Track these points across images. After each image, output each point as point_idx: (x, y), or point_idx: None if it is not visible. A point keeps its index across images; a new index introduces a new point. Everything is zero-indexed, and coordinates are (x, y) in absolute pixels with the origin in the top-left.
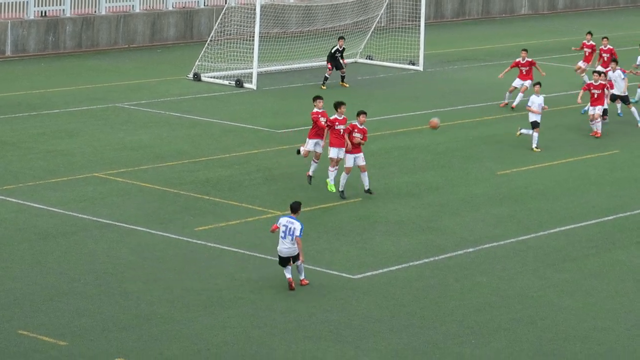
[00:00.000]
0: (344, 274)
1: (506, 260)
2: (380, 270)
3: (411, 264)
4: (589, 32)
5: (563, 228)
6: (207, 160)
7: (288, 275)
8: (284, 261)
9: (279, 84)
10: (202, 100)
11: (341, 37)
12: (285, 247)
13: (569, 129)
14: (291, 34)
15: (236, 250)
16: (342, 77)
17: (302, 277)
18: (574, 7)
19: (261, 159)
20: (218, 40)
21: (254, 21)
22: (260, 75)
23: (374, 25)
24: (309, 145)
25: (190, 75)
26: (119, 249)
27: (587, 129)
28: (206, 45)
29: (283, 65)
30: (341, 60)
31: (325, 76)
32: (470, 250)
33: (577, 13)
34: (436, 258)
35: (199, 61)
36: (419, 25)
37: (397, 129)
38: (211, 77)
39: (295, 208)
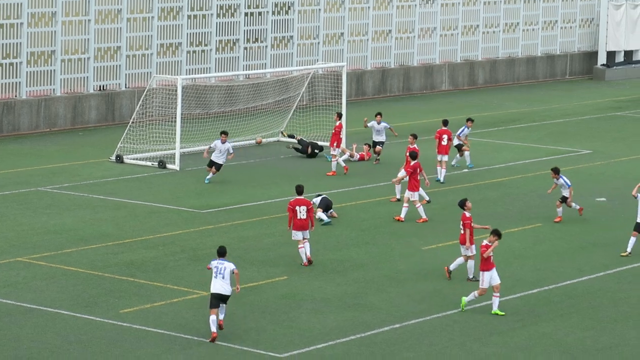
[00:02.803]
0: (270, 353)
1: (433, 335)
2: (307, 349)
3: (338, 341)
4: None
5: (488, 302)
6: (132, 242)
7: (213, 329)
8: (216, 299)
9: (202, 164)
10: (125, 182)
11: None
12: (217, 285)
13: (494, 203)
14: (213, 114)
15: (162, 331)
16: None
17: (221, 318)
18: (493, 82)
19: (186, 239)
20: (140, 121)
21: (176, 102)
22: (183, 155)
23: (295, 104)
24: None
25: (113, 158)
26: (43, 333)
27: (510, 202)
28: (128, 127)
29: (206, 145)
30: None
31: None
32: (397, 326)
33: (496, 88)
34: (363, 335)
35: (121, 143)
36: (341, 103)
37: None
38: (134, 159)
39: (221, 252)
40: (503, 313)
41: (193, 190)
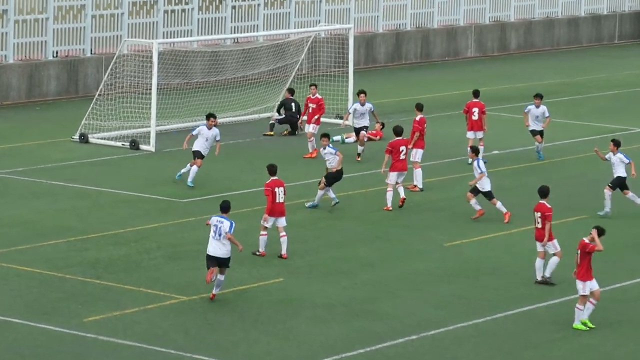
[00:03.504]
0: None
1: (455, 349)
2: None
3: (343, 355)
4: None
5: (523, 309)
6: (98, 237)
7: (215, 291)
8: (212, 261)
9: (182, 144)
10: (90, 165)
11: (290, 89)
12: (213, 246)
13: (532, 190)
14: (196, 85)
15: (134, 344)
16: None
17: (214, 292)
18: (528, 47)
19: (162, 234)
20: (108, 94)
21: (151, 71)
22: (159, 135)
23: (293, 74)
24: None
25: (76, 137)
26: None
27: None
28: (94, 100)
29: (186, 122)
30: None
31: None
32: (413, 337)
33: (532, 54)
34: (372, 348)
35: (86, 119)
36: (347, 73)
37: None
38: (101, 138)
39: (224, 207)
40: (593, 326)
41: (171, 176)
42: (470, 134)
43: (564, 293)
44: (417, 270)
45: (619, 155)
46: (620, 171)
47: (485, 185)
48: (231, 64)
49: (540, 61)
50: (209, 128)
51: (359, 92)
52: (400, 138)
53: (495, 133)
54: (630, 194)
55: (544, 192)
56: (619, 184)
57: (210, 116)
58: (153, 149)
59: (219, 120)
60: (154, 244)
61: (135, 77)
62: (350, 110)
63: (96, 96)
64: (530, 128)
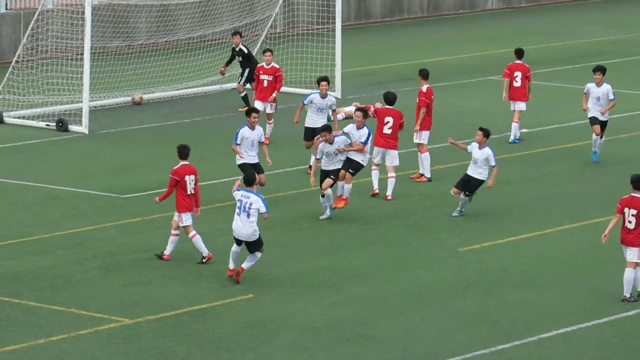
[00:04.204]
0: None
1: None
2: None
3: None
4: None
5: (560, 331)
6: (17, 244)
7: (231, 265)
8: (239, 241)
9: (123, 124)
10: (6, 152)
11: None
12: (239, 225)
13: (566, 180)
14: (140, 48)
15: None
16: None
17: (245, 266)
18: None
19: (99, 239)
20: (28, 60)
21: (82, 31)
22: (94, 112)
23: (264, 32)
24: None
25: None
26: None
27: (591, 178)
28: (10, 68)
29: (129, 95)
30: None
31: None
32: None
33: (569, 5)
34: None
35: (0, 93)
36: (334, 30)
37: (305, 187)
38: (19, 117)
39: (249, 181)
40: None
41: (110, 164)
42: (512, 105)
43: (609, 311)
44: (425, 283)
45: (487, 150)
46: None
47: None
48: (185, 22)
49: (580, 14)
50: (252, 128)
51: (320, 80)
52: (389, 107)
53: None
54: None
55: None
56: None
57: (252, 111)
58: (86, 130)
59: (170, 94)
60: (89, 253)
61: (63, 39)
62: (305, 102)
63: (13, 63)
64: (590, 115)
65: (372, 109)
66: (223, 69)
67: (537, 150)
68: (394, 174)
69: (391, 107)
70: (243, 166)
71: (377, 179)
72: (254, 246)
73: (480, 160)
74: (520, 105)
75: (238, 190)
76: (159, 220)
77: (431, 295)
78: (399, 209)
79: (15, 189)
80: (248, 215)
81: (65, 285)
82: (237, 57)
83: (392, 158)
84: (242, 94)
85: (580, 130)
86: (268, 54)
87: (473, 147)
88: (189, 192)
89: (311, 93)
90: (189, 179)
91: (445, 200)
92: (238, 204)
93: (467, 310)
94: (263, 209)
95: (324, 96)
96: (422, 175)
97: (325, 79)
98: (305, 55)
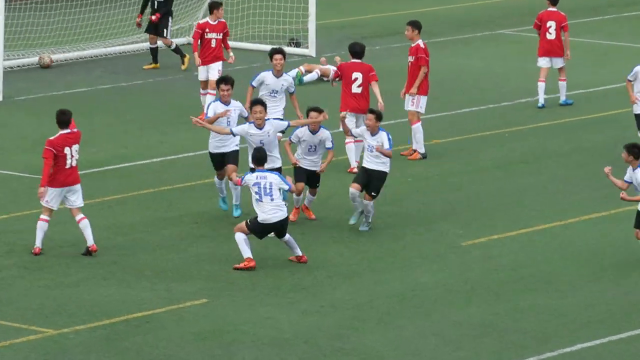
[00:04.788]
0: None
1: None
2: None
3: None
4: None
5: (585, 345)
6: None
7: (247, 254)
8: (266, 229)
9: (45, 88)
10: None
11: None
12: (268, 210)
13: (600, 154)
14: None
15: None
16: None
17: (299, 253)
18: None
19: (15, 231)
20: None
21: None
22: (8, 73)
23: None
24: None
25: None
26: None
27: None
28: None
29: (54, 52)
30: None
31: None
32: None
33: None
34: None
35: None
36: None
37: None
38: None
39: (261, 158)
40: None
41: (29, 138)
42: (543, 61)
43: None
44: (420, 285)
45: (383, 135)
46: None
47: None
48: None
49: None
50: (225, 102)
51: (273, 52)
52: (357, 61)
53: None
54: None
55: None
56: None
57: (222, 81)
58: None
59: (97, 51)
60: (2, 247)
61: None
62: (254, 83)
63: None
64: (636, 111)
65: (331, 71)
66: (139, 19)
67: (557, 121)
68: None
69: (359, 60)
70: (210, 156)
71: (354, 152)
72: (284, 231)
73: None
74: (558, 62)
75: (248, 174)
76: (89, 208)
77: (427, 300)
78: (388, 194)
79: None
80: (272, 198)
81: None
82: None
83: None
84: (172, 47)
85: (611, 97)
86: (221, 9)
87: (363, 133)
88: (67, 166)
89: (261, 72)
90: (70, 151)
91: (444, 182)
92: (256, 189)
93: (471, 319)
94: (286, 186)
95: (278, 74)
96: (415, 151)
97: (279, 51)
98: (272, 3)
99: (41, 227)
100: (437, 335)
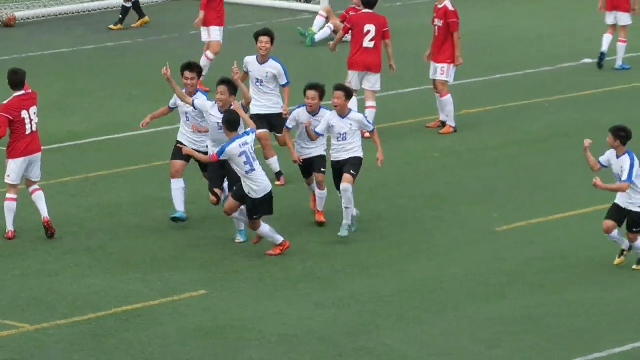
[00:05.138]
0: None
1: None
2: None
3: None
4: None
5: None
6: None
7: (280, 239)
8: (267, 201)
9: (21, 48)
10: None
11: None
12: (261, 176)
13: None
14: None
15: None
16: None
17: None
18: None
19: None
20: None
21: None
22: None
23: None
24: None
25: None
26: None
27: None
28: None
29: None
30: None
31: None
32: None
33: None
34: None
35: None
36: None
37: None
38: None
39: (234, 122)
40: None
41: None
42: (610, 17)
43: None
44: (448, 276)
45: (356, 115)
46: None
47: None
48: None
49: None
50: (189, 93)
51: (258, 34)
52: (369, 12)
53: (588, 26)
54: None
55: None
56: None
57: (187, 68)
58: None
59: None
60: None
61: None
62: (245, 68)
63: None
64: None
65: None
66: None
67: (607, 89)
68: (373, 103)
69: (371, 11)
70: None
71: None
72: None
73: (349, 132)
74: (624, 18)
75: (228, 145)
76: (71, 185)
77: (457, 293)
78: (412, 172)
79: None
80: (257, 162)
81: None
82: None
83: (374, 82)
84: (128, 4)
85: None
86: None
87: (330, 119)
88: (28, 132)
89: (250, 56)
90: (28, 114)
91: (476, 158)
92: (244, 159)
93: (506, 315)
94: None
95: (263, 60)
96: (443, 123)
97: (265, 32)
98: None
99: (9, 207)
100: (468, 332)
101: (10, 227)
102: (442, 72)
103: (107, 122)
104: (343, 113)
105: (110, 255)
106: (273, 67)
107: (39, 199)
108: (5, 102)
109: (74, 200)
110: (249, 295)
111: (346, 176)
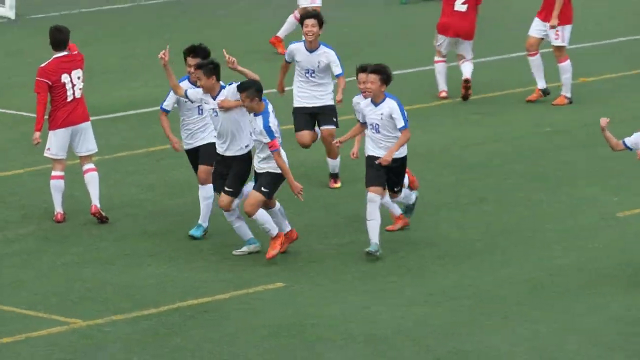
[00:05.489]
0: None
1: None
2: None
3: None
4: None
5: None
6: None
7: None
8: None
9: (70, 4)
10: None
11: None
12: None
13: None
14: None
15: None
16: None
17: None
18: None
19: (33, 189)
20: None
21: None
22: None
23: None
24: None
25: None
26: None
27: None
28: None
29: None
30: None
31: None
32: None
33: None
34: None
35: None
36: None
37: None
38: None
39: (260, 88)
40: None
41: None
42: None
43: None
44: (560, 268)
45: (391, 103)
46: None
47: None
48: None
49: None
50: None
51: (304, 17)
52: None
53: None
54: None
55: None
56: None
57: (190, 52)
58: (11, 14)
59: None
60: (17, 211)
61: None
62: (288, 57)
63: None
64: None
65: None
66: None
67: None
68: (470, 60)
69: None
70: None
71: (444, 77)
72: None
73: (382, 124)
74: None
75: (269, 115)
76: (130, 160)
77: (570, 287)
78: (520, 149)
79: None
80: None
81: None
82: None
83: (467, 48)
84: None
85: None
86: None
87: (361, 104)
88: (69, 99)
89: (294, 43)
90: (70, 79)
91: (593, 133)
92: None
93: (630, 313)
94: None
95: (311, 47)
96: (545, 92)
97: (311, 14)
98: None
99: (55, 186)
100: (584, 332)
101: (58, 209)
102: (556, 36)
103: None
104: (377, 100)
105: (175, 242)
106: (325, 54)
107: (91, 182)
108: (43, 64)
109: (132, 178)
110: (331, 288)
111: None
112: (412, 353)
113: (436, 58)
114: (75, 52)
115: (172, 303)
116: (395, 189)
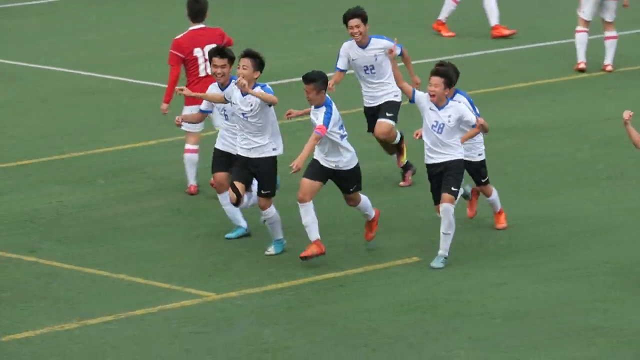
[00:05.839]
0: None
1: None
2: None
3: None
4: None
5: None
6: (17, 169)
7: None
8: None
9: None
10: None
11: None
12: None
13: None
14: None
15: None
16: None
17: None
18: None
19: (160, 162)
20: None
21: None
22: None
23: None
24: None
25: None
26: None
27: None
28: None
29: None
30: None
31: None
32: None
33: None
34: None
35: None
36: None
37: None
38: None
39: (325, 79)
40: None
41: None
42: None
43: None
44: (633, 272)
45: (458, 106)
46: None
47: None
48: None
49: None
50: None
51: (347, 17)
52: None
53: None
54: None
55: None
56: None
57: (217, 54)
58: None
59: None
60: (145, 183)
61: None
62: (341, 66)
63: None
64: None
65: None
66: None
67: None
68: (614, 33)
69: None
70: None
71: (584, 47)
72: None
73: (447, 126)
74: None
75: (332, 106)
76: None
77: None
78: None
79: None
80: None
81: (112, 236)
82: None
83: (611, 10)
84: None
85: None
86: None
87: (422, 100)
88: (202, 74)
89: (348, 41)
90: (203, 53)
91: None
92: (341, 122)
93: None
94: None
95: (362, 44)
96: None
97: (355, 14)
98: None
99: (189, 160)
100: None
101: (192, 182)
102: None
103: (306, 61)
104: (440, 104)
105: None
106: (380, 44)
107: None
108: (178, 36)
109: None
110: (468, 263)
111: (445, 196)
112: (551, 329)
113: (578, 27)
114: (203, 27)
115: (307, 277)
116: (483, 180)
